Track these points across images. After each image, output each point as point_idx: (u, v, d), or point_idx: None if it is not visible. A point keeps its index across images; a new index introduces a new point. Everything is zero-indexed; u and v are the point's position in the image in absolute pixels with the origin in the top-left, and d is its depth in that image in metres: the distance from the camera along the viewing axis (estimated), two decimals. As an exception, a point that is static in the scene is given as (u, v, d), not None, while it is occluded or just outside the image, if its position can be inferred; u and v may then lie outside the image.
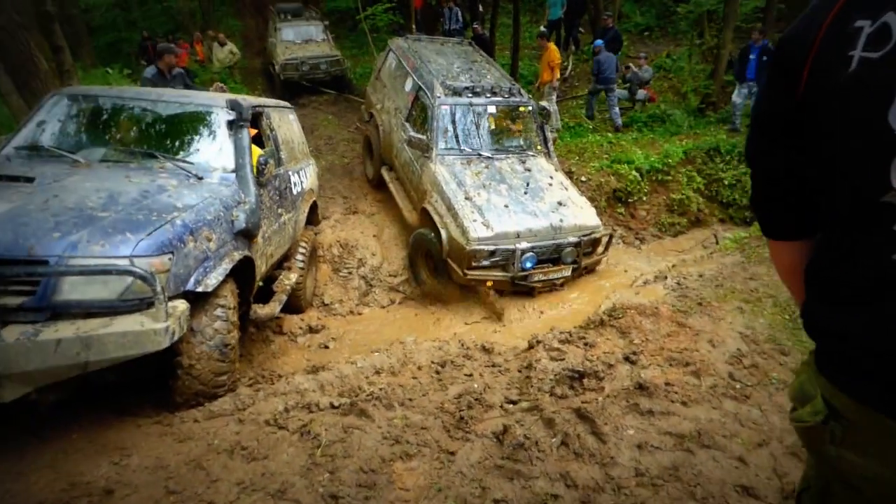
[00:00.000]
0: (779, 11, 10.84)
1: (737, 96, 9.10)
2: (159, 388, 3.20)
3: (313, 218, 6.05)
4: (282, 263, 5.02)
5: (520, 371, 3.29)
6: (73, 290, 2.57)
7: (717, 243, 6.84)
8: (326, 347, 5.08)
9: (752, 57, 8.65)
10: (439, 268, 5.84)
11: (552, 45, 9.62)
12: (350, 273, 6.42)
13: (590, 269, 6.08)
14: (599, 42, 10.08)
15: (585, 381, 2.99)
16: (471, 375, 3.22)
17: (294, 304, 5.29)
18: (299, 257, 5.24)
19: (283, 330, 5.16)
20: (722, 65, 9.80)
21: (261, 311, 4.15)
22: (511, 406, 2.86)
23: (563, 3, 12.35)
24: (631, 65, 10.14)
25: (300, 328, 5.27)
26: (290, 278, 4.85)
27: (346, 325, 5.63)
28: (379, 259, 6.61)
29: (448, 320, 5.60)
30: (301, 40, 12.80)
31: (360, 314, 5.94)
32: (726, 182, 7.99)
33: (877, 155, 0.78)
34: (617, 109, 9.85)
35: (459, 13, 13.20)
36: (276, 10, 14.23)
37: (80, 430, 2.81)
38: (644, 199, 7.87)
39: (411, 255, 6.30)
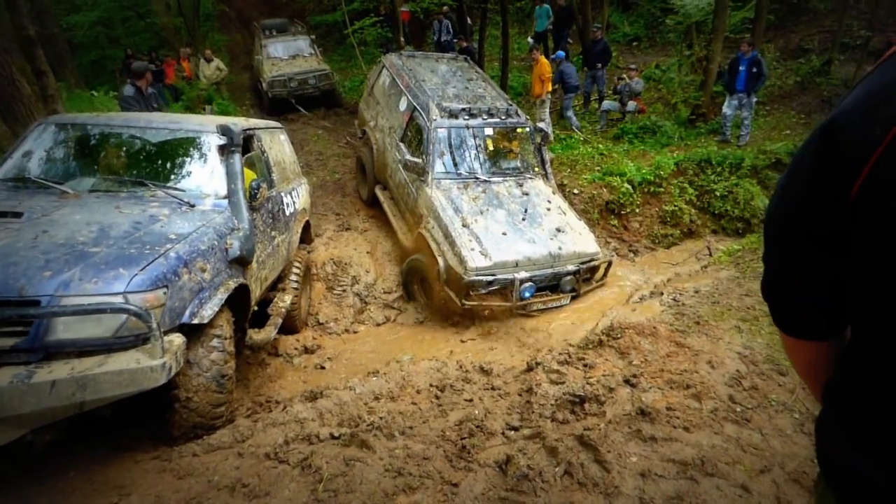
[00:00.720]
0: (767, 22, 10.97)
1: (727, 107, 9.18)
2: (155, 420, 3.16)
3: (306, 237, 6.02)
4: (276, 285, 4.99)
5: (520, 395, 3.27)
6: (66, 329, 2.53)
7: (710, 255, 6.87)
8: (322, 368, 5.05)
9: (741, 68, 8.74)
10: (436, 293, 5.81)
11: (543, 59, 9.70)
12: (344, 291, 6.39)
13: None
14: (561, 54, 10.73)
15: (587, 405, 2.97)
16: (471, 400, 3.20)
17: (289, 325, 5.25)
18: (293, 278, 5.20)
19: (279, 351, 5.13)
20: (711, 76, 9.90)
21: (256, 336, 4.12)
22: (512, 433, 2.84)
23: (549, 14, 12.44)
24: (625, 76, 10.23)
25: (296, 349, 5.24)
26: (284, 300, 4.82)
27: (342, 345, 5.59)
28: (373, 276, 6.59)
29: (444, 337, 5.59)
30: (288, 56, 12.73)
31: (355, 332, 5.91)
32: (718, 193, 8.05)
33: None
34: (571, 112, 10.42)
35: (450, 25, 13.26)
36: (260, 27, 14.16)
37: (77, 469, 2.76)
38: (637, 210, 7.91)
39: (406, 279, 6.27)
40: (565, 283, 5.65)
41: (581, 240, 5.84)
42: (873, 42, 9.92)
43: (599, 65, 10.83)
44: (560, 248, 5.60)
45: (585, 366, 3.49)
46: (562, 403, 3.01)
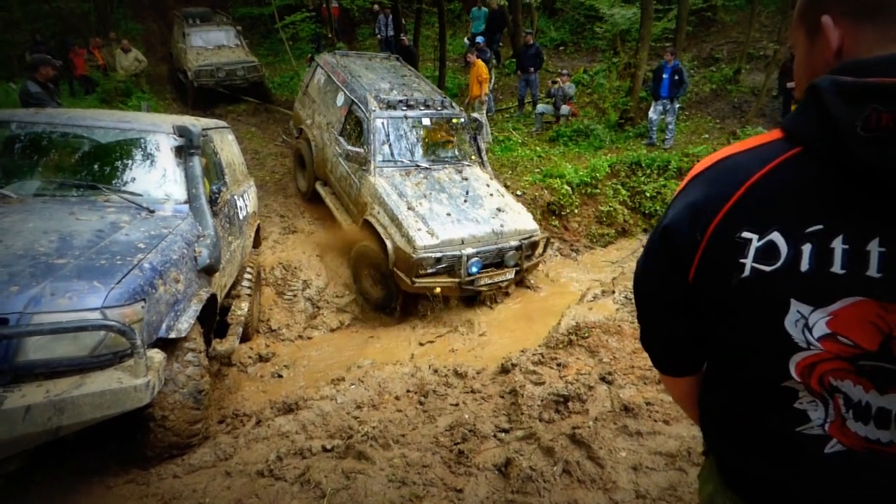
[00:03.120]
0: (686, 32, 11.75)
1: (652, 112, 9.76)
2: (120, 439, 2.96)
3: (256, 240, 5.82)
4: (230, 291, 4.79)
5: (502, 396, 3.35)
6: (38, 349, 2.34)
7: (645, 253, 7.29)
8: (280, 377, 4.90)
9: (665, 76, 9.33)
10: (385, 279, 5.85)
11: (479, 61, 9.86)
12: (295, 296, 6.22)
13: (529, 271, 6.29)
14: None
15: (570, 404, 3.10)
16: (456, 405, 3.24)
17: (241, 332, 5.05)
18: (246, 284, 5.02)
19: (232, 361, 4.91)
20: (638, 83, 10.47)
21: (220, 347, 3.94)
22: (504, 435, 2.92)
23: (485, 17, 12.67)
24: (559, 80, 10.60)
25: (250, 358, 5.05)
26: (242, 308, 4.64)
27: (297, 352, 5.45)
28: (324, 280, 6.46)
29: (402, 341, 5.58)
30: (213, 46, 12.26)
31: (309, 338, 5.77)
32: (648, 194, 8.53)
33: (777, 352, 0.85)
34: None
35: (392, 21, 13.23)
36: (182, 15, 13.45)
37: (43, 503, 2.54)
38: (576, 211, 8.23)
39: (355, 268, 6.25)
40: (509, 258, 5.86)
41: (520, 218, 6.10)
42: (780, 53, 10.87)
43: (532, 69, 11.18)
44: (502, 226, 5.81)
45: (559, 365, 3.63)
46: (547, 403, 3.11)
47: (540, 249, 6.27)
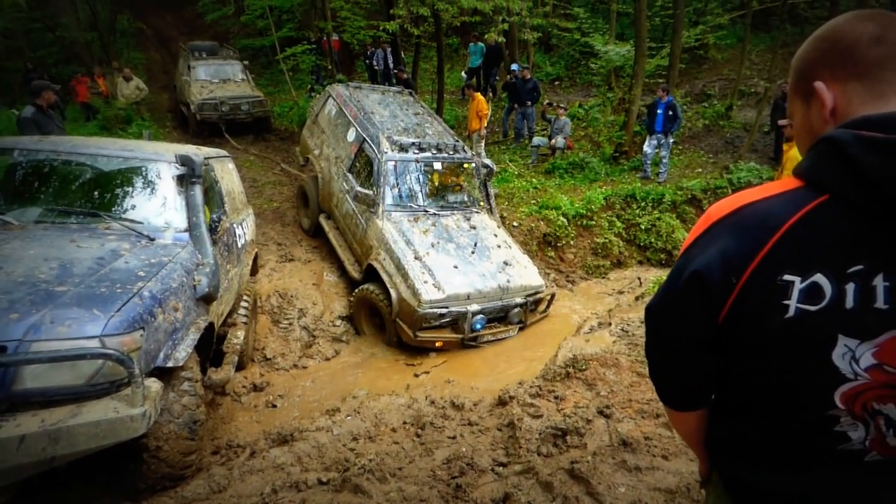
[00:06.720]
0: (679, 69, 12.06)
1: (647, 146, 9.93)
2: (108, 470, 2.91)
3: (253, 268, 5.83)
4: (226, 320, 4.78)
5: (499, 429, 3.33)
6: (35, 377, 2.32)
7: (640, 285, 7.33)
8: (274, 406, 4.84)
9: (659, 112, 9.54)
10: (385, 325, 5.80)
11: (480, 96, 10.06)
12: (291, 324, 6.19)
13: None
14: (515, 66, 11.92)
15: (568, 438, 3.08)
16: (454, 437, 3.22)
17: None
18: (242, 312, 5.01)
19: (226, 390, 4.86)
20: (633, 117, 10.68)
21: (215, 376, 3.91)
22: (502, 469, 2.89)
23: (482, 52, 12.99)
24: (557, 109, 10.81)
25: (244, 387, 5.00)
26: (238, 336, 4.62)
27: (292, 381, 5.40)
28: (320, 308, 6.44)
29: (397, 371, 5.54)
30: (219, 80, 12.33)
31: (304, 368, 5.72)
32: (643, 226, 8.61)
33: (823, 384, 0.91)
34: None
35: (390, 54, 13.50)
36: (189, 49, 13.62)
37: (32, 536, 2.49)
38: (571, 242, 8.29)
39: (354, 311, 6.20)
40: (513, 315, 5.85)
41: (527, 273, 6.08)
42: (770, 90, 11.15)
43: (529, 102, 11.41)
44: (508, 281, 5.78)
45: (556, 398, 3.62)
46: (545, 437, 3.09)
47: (544, 305, 6.26)
